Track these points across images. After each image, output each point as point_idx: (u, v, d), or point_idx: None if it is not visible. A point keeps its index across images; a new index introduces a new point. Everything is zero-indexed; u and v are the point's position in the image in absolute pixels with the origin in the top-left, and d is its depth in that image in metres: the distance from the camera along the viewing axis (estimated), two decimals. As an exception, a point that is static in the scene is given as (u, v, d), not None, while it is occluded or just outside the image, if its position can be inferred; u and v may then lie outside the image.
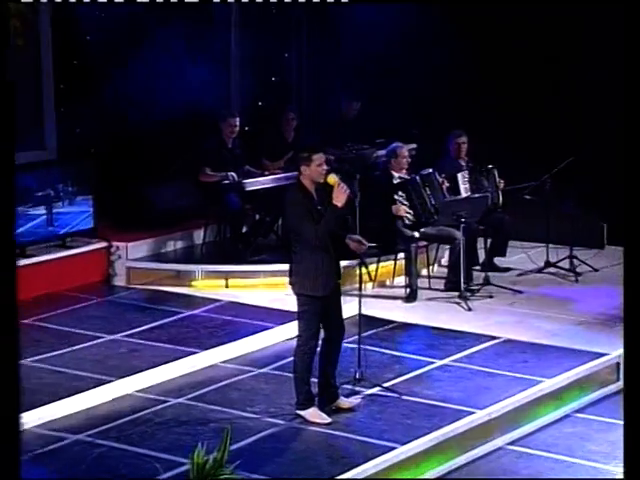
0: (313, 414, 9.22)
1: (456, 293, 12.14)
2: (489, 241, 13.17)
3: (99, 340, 10.95)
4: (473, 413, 9.38)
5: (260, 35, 15.51)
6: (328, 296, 9.11)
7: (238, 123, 13.18)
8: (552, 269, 13.08)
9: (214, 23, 15.31)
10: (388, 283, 12.77)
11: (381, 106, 14.51)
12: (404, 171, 12.55)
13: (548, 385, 9.98)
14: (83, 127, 14.70)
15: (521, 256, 13.37)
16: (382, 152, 13.13)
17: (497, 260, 13.20)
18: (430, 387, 9.99)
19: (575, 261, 13.07)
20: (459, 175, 12.85)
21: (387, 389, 9.82)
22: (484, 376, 10.25)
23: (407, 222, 12.35)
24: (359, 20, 14.69)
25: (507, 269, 13.13)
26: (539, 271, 13.08)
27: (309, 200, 9.01)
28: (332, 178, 9.01)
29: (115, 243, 12.68)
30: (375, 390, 9.81)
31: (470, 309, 11.91)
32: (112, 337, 11.01)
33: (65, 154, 14.42)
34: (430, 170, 12.57)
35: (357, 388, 9.81)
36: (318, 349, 9.31)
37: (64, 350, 10.64)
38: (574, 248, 13.25)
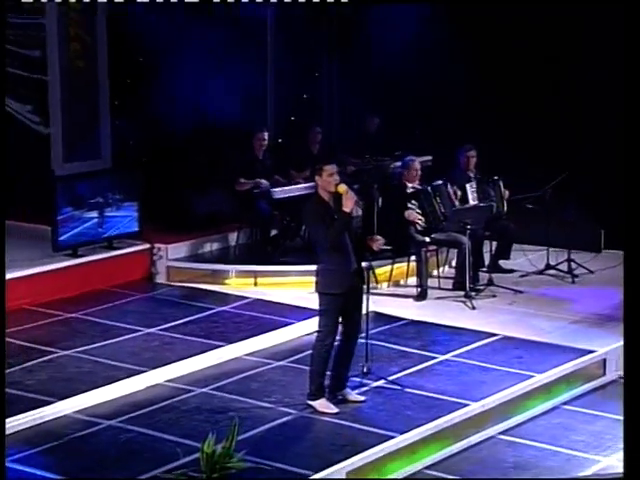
0: (322, 404, 9.16)
1: (462, 292, 12.02)
2: (494, 245, 13.01)
3: (137, 333, 10.93)
4: (468, 405, 9.26)
5: (293, 57, 15.51)
6: (346, 294, 9.02)
7: (267, 137, 13.17)
8: (552, 271, 12.94)
9: (253, 44, 15.31)
10: (402, 282, 12.71)
11: (399, 122, 14.44)
12: (417, 181, 12.47)
13: (538, 380, 9.86)
14: (135, 139, 14.80)
15: (523, 259, 13.24)
16: (398, 164, 13.06)
17: (502, 262, 13.09)
18: (431, 380, 9.88)
19: (573, 264, 12.90)
20: (467, 185, 12.74)
21: (392, 382, 9.73)
22: (481, 371, 10.15)
23: (419, 228, 12.29)
24: (382, 43, 14.69)
25: (511, 271, 13.00)
26: (539, 273, 12.95)
27: (325, 208, 8.94)
28: (341, 187, 8.92)
29: (157, 244, 12.70)
30: (380, 383, 9.72)
31: (474, 308, 11.80)
32: (148, 330, 10.99)
33: (118, 163, 14.53)
34: (440, 181, 12.49)
35: (365, 381, 9.73)
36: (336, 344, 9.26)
37: (104, 342, 10.65)
38: (573, 252, 13.07)
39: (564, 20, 13.63)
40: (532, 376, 9.91)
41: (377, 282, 11.07)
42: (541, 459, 8.75)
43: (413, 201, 12.30)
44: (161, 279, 12.62)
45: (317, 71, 15.77)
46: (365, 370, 9.79)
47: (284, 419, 9.05)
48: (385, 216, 12.82)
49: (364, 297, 9.37)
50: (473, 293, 12.06)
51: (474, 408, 9.24)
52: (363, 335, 9.78)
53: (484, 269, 12.77)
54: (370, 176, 13.27)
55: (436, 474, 8.50)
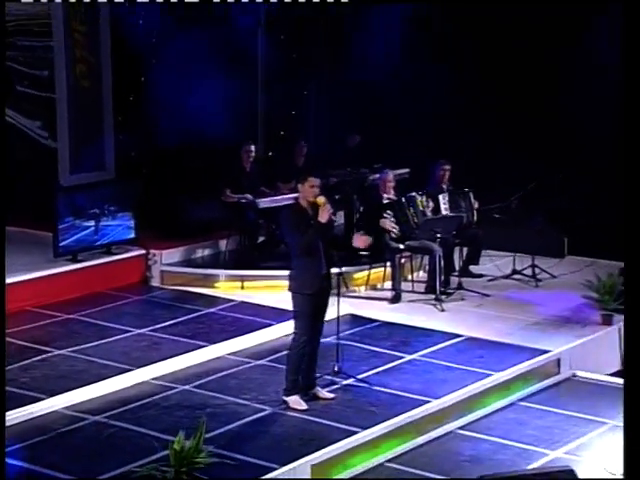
0: (295, 401, 9.08)
1: (434, 296, 11.87)
2: (465, 252, 12.86)
3: (128, 334, 10.81)
4: (429, 402, 9.17)
5: (283, 77, 15.42)
6: (317, 295, 8.94)
7: (254, 150, 13.03)
8: (517, 276, 12.79)
9: (245, 63, 15.22)
10: (379, 286, 12.53)
11: (381, 136, 14.33)
12: (392, 192, 12.34)
13: (496, 378, 9.76)
14: (137, 151, 14.71)
15: (492, 264, 13.08)
16: (376, 176, 12.93)
17: (471, 268, 12.94)
18: (397, 379, 9.76)
19: (537, 269, 12.76)
20: (440, 197, 12.61)
21: (360, 380, 9.62)
22: (444, 369, 10.04)
23: (393, 236, 12.13)
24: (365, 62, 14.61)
25: (480, 275, 12.87)
26: (506, 277, 12.80)
27: (302, 216, 8.87)
28: (320, 199, 8.84)
29: (152, 250, 12.59)
30: (350, 381, 9.61)
31: (443, 310, 11.67)
32: (139, 331, 10.88)
33: (121, 174, 14.42)
34: (414, 193, 12.35)
35: (335, 379, 9.62)
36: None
37: (98, 342, 10.53)
38: (539, 257, 12.94)
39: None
40: (491, 374, 9.79)
41: (347, 287, 10.85)
42: (494, 452, 8.67)
43: (388, 211, 12.15)
44: (155, 282, 12.48)
45: (305, 89, 15.60)
46: (336, 369, 9.67)
47: (258, 415, 8.96)
48: (363, 224, 12.77)
49: (330, 301, 9.25)
50: (443, 296, 11.92)
51: (434, 405, 9.16)
52: (334, 336, 9.76)
53: (455, 274, 12.60)
54: (350, 187, 13.15)
55: (397, 467, 8.41)
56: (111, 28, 14.49)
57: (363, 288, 12.41)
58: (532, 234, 12.90)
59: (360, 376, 9.71)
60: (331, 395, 9.32)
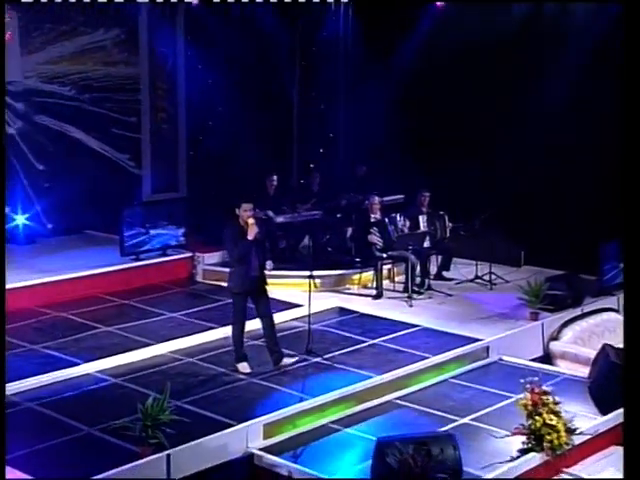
0: (242, 367, 8.98)
1: (407, 294, 11.53)
2: (439, 260, 12.57)
3: (163, 317, 10.67)
4: (371, 377, 8.94)
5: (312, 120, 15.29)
6: (246, 293, 8.82)
7: (275, 179, 12.88)
8: (479, 280, 12.35)
9: (278, 110, 15.08)
10: (369, 285, 12.15)
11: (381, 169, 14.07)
12: (378, 213, 12.07)
13: (432, 360, 9.47)
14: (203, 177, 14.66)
15: (460, 271, 12.62)
16: (367, 201, 12.63)
17: (444, 273, 12.56)
18: (356, 359, 9.50)
19: (493, 275, 12.28)
20: (420, 218, 12.31)
21: (326, 359, 9.39)
22: (395, 352, 9.76)
23: (378, 247, 11.87)
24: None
25: (450, 279, 12.47)
26: (470, 281, 12.32)
27: (238, 231, 8.79)
28: (250, 220, 8.79)
29: (197, 253, 12.45)
30: (318, 359, 9.39)
31: (412, 305, 11.32)
32: (172, 315, 10.73)
33: (192, 194, 14.46)
34: (394, 214, 12.09)
35: (308, 357, 9.41)
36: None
37: (137, 322, 10.45)
38: (500, 266, 12.46)
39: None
40: (429, 357, 9.51)
41: (316, 287, 10.66)
42: (416, 419, 8.46)
43: (375, 228, 11.90)
44: (199, 278, 12.30)
45: (332, 132, 15.41)
46: (308, 349, 9.49)
47: (236, 383, 8.82)
48: (357, 238, 12.52)
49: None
50: (415, 295, 11.59)
51: (376, 380, 8.93)
52: (326, 323, 9.98)
53: (431, 277, 12.27)
54: (350, 208, 12.90)
55: (337, 427, 8.24)
56: (186, 85, 14.64)
57: (356, 287, 12.15)
58: (493, 247, 12.44)
59: (327, 356, 9.49)
60: (291, 360, 9.13)
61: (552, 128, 12.62)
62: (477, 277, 12.39)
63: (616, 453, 8.00)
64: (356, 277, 12.19)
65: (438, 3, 13.86)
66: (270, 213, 12.47)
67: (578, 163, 12.51)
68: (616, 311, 11.39)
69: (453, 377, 9.38)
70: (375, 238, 11.83)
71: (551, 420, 7.62)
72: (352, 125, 15.10)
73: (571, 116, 12.45)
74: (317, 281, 11.11)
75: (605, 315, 11.17)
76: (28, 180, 13.22)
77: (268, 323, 9.01)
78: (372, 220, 11.98)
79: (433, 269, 12.46)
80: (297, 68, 15.21)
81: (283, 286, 11.78)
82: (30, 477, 6.84)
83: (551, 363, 10.31)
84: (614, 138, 10.26)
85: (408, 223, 12.09)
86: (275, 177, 12.83)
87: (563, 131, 12.61)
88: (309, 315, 9.60)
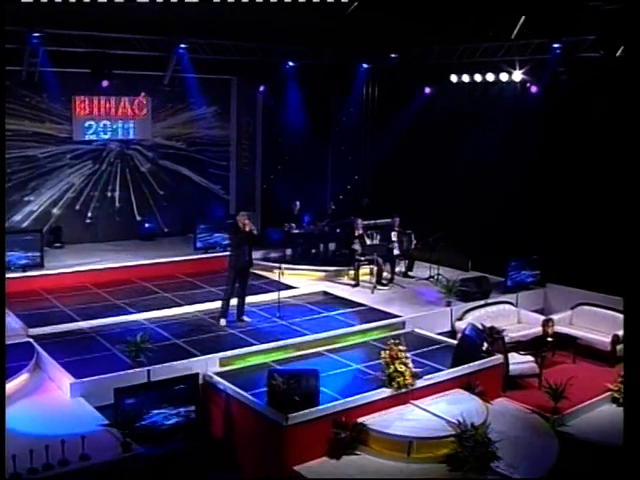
0: (222, 322, 9.46)
1: (372, 285, 11.76)
2: (406, 263, 12.79)
3: (204, 290, 11.03)
4: (307, 334, 9.30)
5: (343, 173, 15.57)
6: (239, 270, 9.30)
7: (298, 205, 13.28)
8: (431, 279, 12.43)
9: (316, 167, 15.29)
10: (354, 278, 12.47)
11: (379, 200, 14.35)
12: (360, 229, 12.44)
13: (358, 327, 9.76)
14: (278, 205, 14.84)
15: (420, 271, 12.66)
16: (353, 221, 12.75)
17: (409, 273, 12.69)
18: (307, 323, 9.73)
19: (440, 276, 12.32)
20: (392, 234, 12.60)
21: (290, 324, 9.67)
22: (337, 321, 9.97)
23: (358, 252, 12.26)
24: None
25: (412, 277, 12.63)
26: (425, 279, 12.39)
27: (237, 229, 9.39)
28: (246, 222, 9.42)
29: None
30: (283, 322, 9.66)
31: (373, 293, 11.48)
32: (212, 289, 10.98)
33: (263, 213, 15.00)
34: (369, 231, 12.51)
35: (277, 321, 9.71)
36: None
37: (188, 292, 10.89)
38: (452, 270, 12.46)
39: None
40: (356, 324, 9.80)
41: (282, 274, 11.08)
42: (336, 367, 8.64)
43: (356, 239, 12.37)
44: (248, 268, 12.85)
45: (356, 174, 15.70)
46: (278, 316, 9.96)
47: (221, 332, 9.29)
48: (346, 246, 12.95)
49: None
50: (380, 286, 11.79)
51: (312, 337, 9.29)
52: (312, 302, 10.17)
53: (398, 275, 12.42)
54: (349, 227, 13.35)
55: (277, 366, 8.58)
56: (262, 141, 15.32)
57: (345, 278, 12.47)
58: (445, 255, 12.50)
59: (290, 321, 9.83)
60: (248, 319, 9.51)
61: (486, 170, 12.61)
62: (430, 277, 12.55)
63: (454, 394, 8.19)
64: (351, 272, 12.38)
65: (427, 89, 14.16)
66: (293, 226, 13.10)
67: (501, 197, 12.44)
68: (512, 304, 11.36)
69: (374, 341, 9.55)
70: (357, 246, 12.33)
71: (401, 368, 8.03)
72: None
73: (500, 160, 12.48)
74: (284, 271, 11.35)
75: (502, 306, 11.19)
76: (153, 201, 14.41)
77: (240, 293, 9.57)
78: (356, 234, 12.46)
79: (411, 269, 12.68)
80: (331, 132, 15.60)
81: (297, 276, 12.20)
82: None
83: (455, 337, 10.45)
84: (526, 178, 10.67)
85: (379, 236, 12.50)
86: (298, 203, 13.30)
87: (493, 173, 12.60)
88: (278, 295, 9.99)
